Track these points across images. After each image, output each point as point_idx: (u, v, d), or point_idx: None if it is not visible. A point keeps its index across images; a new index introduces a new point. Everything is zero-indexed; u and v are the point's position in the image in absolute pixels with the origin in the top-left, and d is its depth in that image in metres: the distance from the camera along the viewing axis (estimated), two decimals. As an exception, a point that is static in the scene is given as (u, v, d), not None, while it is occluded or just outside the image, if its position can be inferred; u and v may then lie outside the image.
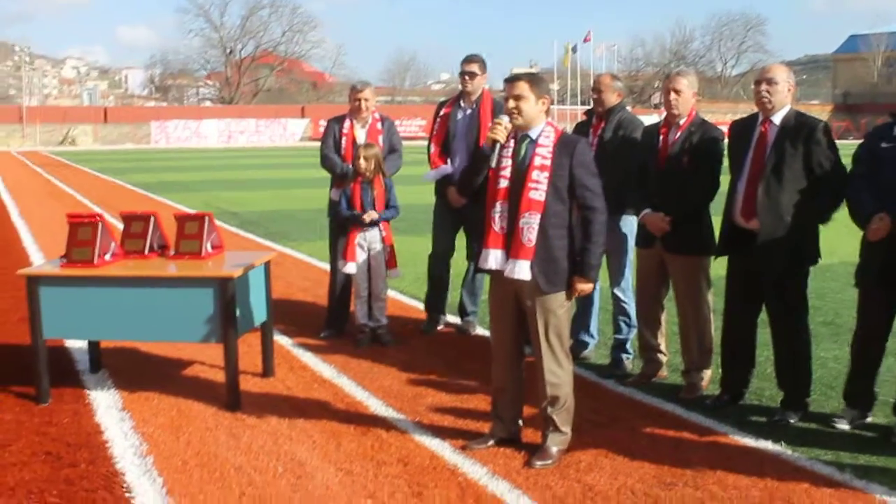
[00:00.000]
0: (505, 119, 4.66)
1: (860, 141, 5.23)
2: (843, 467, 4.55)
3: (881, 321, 5.10)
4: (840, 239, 5.34)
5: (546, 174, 4.53)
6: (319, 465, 4.64)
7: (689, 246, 5.61)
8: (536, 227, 4.51)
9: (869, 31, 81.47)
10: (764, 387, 5.79)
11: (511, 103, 4.60)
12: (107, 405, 5.59)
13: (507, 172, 4.62)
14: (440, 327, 7.53)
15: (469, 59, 7.17)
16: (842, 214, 5.13)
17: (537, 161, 4.55)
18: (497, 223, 4.62)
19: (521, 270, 4.53)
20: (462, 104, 7.19)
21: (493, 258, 4.64)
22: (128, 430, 5.15)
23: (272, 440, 4.99)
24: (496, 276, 4.69)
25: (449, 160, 7.14)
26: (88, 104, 75.21)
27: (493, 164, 4.67)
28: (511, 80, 4.65)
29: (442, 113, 7.29)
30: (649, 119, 6.49)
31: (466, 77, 7.11)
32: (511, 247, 4.57)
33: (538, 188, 4.52)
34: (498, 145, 4.64)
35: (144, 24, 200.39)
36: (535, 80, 4.67)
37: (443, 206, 7.31)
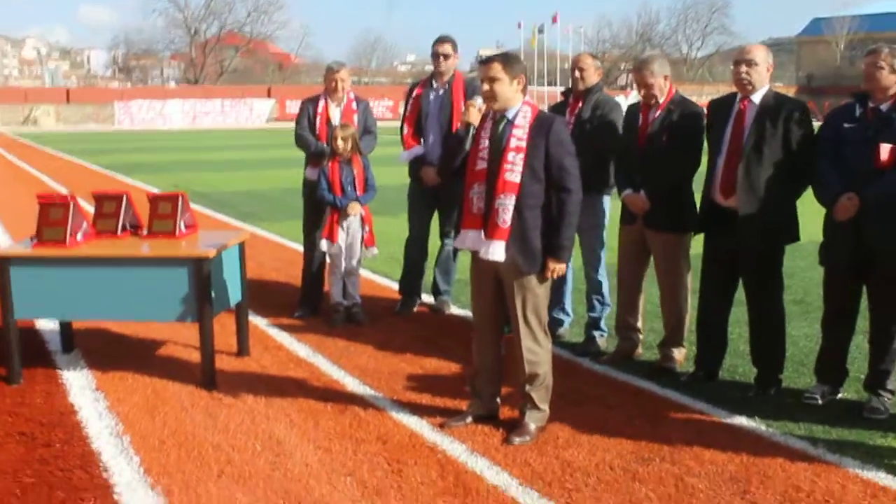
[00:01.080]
0: (478, 101, 4.65)
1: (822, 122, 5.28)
2: (817, 442, 4.62)
3: (848, 300, 5.17)
4: (808, 217, 5.40)
5: (521, 155, 4.53)
6: (298, 443, 4.63)
7: (670, 223, 5.63)
8: (511, 208, 4.52)
9: (832, 14, 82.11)
10: (737, 364, 5.85)
11: (485, 86, 4.57)
12: (80, 385, 5.54)
13: (485, 154, 4.62)
14: (415, 308, 7.52)
15: (441, 40, 7.14)
16: (808, 193, 5.18)
17: (513, 143, 4.55)
18: (475, 204, 4.63)
19: (496, 252, 4.54)
20: (434, 85, 7.17)
21: (471, 239, 4.65)
22: (102, 410, 5.11)
23: (249, 419, 4.97)
24: (475, 255, 4.69)
25: (422, 140, 7.13)
26: (50, 85, 73.90)
27: (468, 147, 4.66)
28: (485, 62, 4.63)
29: (414, 94, 7.27)
30: (618, 101, 6.49)
31: (441, 58, 7.09)
32: (487, 227, 4.57)
33: (514, 169, 4.52)
34: (472, 128, 4.63)
35: (107, 4, 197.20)
36: (509, 60, 4.64)
37: (417, 188, 7.30)
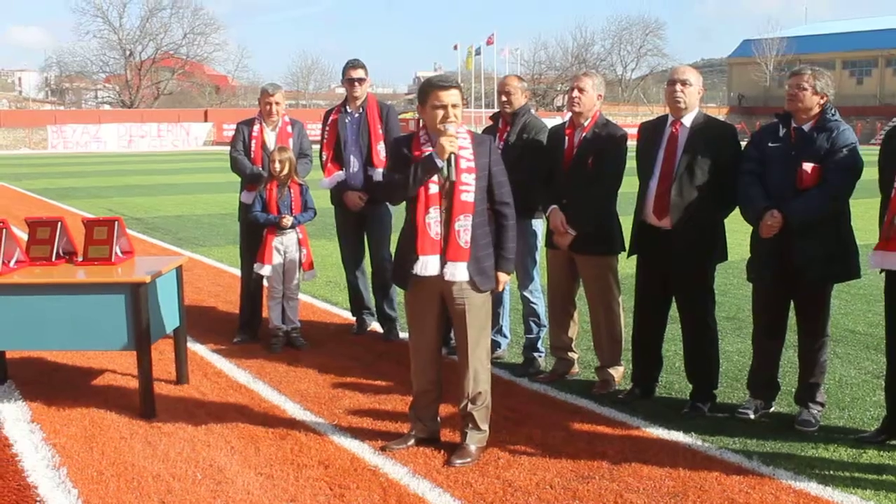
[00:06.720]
0: (451, 128, 4.62)
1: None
2: (751, 455, 4.73)
3: (776, 315, 5.30)
4: (739, 235, 5.54)
5: (473, 176, 4.62)
6: (239, 470, 4.61)
7: (596, 246, 5.75)
8: (470, 228, 4.59)
9: (761, 36, 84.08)
10: (673, 380, 5.97)
11: (451, 111, 4.62)
12: (14, 417, 5.43)
13: (435, 177, 4.65)
14: (370, 327, 7.55)
15: (354, 65, 7.14)
16: (735, 212, 5.32)
17: (463, 164, 4.61)
18: (432, 229, 4.61)
19: (459, 273, 4.57)
20: (349, 110, 7.18)
21: (432, 264, 4.59)
22: (38, 442, 5.02)
23: (190, 447, 4.93)
24: (421, 280, 4.65)
25: (343, 167, 7.15)
26: (-20, 108, 72.35)
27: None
28: (447, 88, 4.63)
29: (330, 120, 7.28)
30: (552, 122, 6.59)
31: (355, 83, 7.10)
32: (447, 250, 4.59)
33: (469, 190, 4.59)
34: (454, 157, 4.62)
35: (38, 25, 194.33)
36: (460, 87, 4.80)
37: (342, 214, 7.33)
